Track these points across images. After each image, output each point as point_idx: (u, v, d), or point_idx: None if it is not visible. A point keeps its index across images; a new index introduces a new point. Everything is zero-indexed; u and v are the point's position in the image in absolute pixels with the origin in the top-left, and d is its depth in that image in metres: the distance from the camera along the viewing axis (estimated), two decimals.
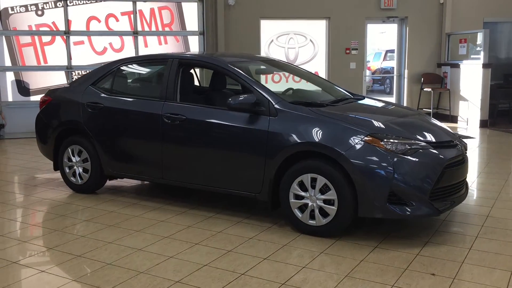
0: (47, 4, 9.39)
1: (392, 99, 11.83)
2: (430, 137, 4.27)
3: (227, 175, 4.63)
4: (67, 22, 9.44)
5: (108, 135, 5.26)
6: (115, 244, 4.11)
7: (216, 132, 4.63)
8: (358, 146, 3.99)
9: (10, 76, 9.48)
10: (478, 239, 4.14)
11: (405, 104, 11.41)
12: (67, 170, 5.62)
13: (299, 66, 5.91)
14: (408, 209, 3.94)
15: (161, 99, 4.95)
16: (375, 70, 22.88)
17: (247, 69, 5.07)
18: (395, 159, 3.92)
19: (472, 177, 6.21)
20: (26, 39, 9.45)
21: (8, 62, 9.41)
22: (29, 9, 9.36)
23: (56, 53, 9.52)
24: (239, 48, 10.16)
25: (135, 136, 5.12)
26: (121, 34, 9.73)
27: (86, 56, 9.56)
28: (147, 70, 5.65)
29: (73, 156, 5.53)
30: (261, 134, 4.36)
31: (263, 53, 10.56)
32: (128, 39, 9.76)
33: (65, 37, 9.48)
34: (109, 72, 5.47)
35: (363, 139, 4.00)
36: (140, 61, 5.56)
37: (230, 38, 10.15)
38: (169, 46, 10.03)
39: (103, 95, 5.36)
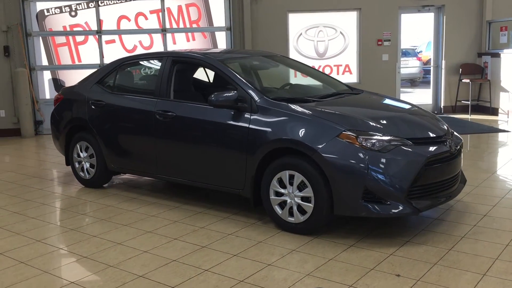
0: (80, 5, 9.78)
1: (429, 92, 11.43)
2: (414, 133, 4.12)
3: (213, 171, 4.67)
4: (99, 22, 9.79)
5: (110, 131, 5.44)
6: (99, 237, 4.25)
7: (202, 129, 4.68)
8: (332, 143, 3.91)
9: (47, 75, 9.97)
10: (463, 239, 3.95)
11: (442, 97, 11.01)
12: (77, 165, 5.86)
13: (301, 62, 5.82)
14: (384, 208, 3.83)
15: (155, 96, 5.06)
16: (427, 61, 22.04)
17: (239, 65, 5.08)
18: (370, 156, 3.81)
19: (488, 173, 5.91)
20: (61, 39, 9.89)
21: (45, 62, 9.90)
22: (63, 11, 9.78)
23: (89, 52, 9.91)
24: (266, 42, 10.13)
25: (133, 132, 5.26)
26: (150, 32, 9.98)
27: (117, 54, 9.81)
28: (146, 68, 5.78)
29: (81, 152, 5.76)
30: (242, 130, 4.36)
31: (291, 47, 10.48)
32: (157, 37, 10.00)
33: (97, 36, 9.84)
34: (113, 70, 5.64)
35: (338, 136, 3.92)
36: (140, 60, 5.69)
37: (257, 32, 10.15)
38: (197, 43, 10.18)
39: (105, 93, 5.54)
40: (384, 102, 4.99)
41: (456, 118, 10.20)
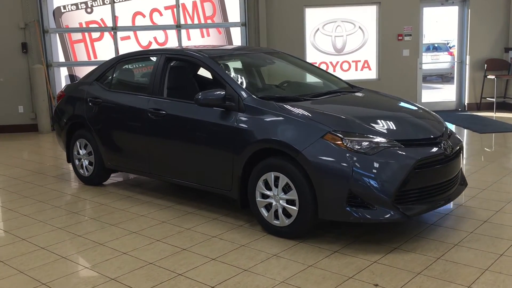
0: (96, 2, 9.81)
1: (453, 88, 11.03)
2: (405, 134, 3.91)
3: (202, 171, 4.57)
4: (114, 18, 9.81)
5: (106, 129, 5.41)
6: (83, 237, 4.21)
7: (191, 128, 4.58)
8: (317, 144, 3.74)
9: (63, 71, 10.07)
10: (455, 247, 3.72)
11: (467, 94, 10.59)
12: (77, 163, 5.86)
13: (302, 59, 5.62)
14: (370, 213, 3.64)
15: (149, 94, 4.99)
16: None
17: (233, 63, 4.96)
18: (356, 158, 3.63)
19: (499, 176, 5.59)
20: (77, 35, 9.96)
21: (61, 58, 10.00)
22: (79, 7, 9.84)
23: (104, 48, 9.93)
24: (282, 38, 9.96)
25: (127, 130, 5.21)
26: (164, 28, 9.93)
27: (132, 50, 9.84)
28: (142, 66, 5.72)
29: (81, 149, 5.75)
30: (229, 130, 4.24)
31: (308, 42, 10.26)
32: (172, 33, 9.95)
33: (112, 33, 9.87)
34: (110, 68, 5.61)
35: (323, 137, 3.74)
36: (136, 57, 5.63)
37: (273, 28, 9.97)
38: (212, 38, 10.08)
39: (103, 90, 5.51)
40: (380, 101, 4.78)
41: (479, 116, 9.80)
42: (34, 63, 9.63)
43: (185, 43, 9.93)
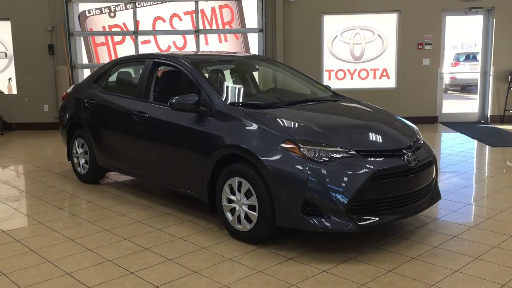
0: (119, 7, 10.14)
1: (476, 99, 10.73)
2: (366, 145, 3.89)
3: (176, 173, 4.68)
4: (136, 23, 10.11)
5: (98, 129, 5.61)
6: (58, 232, 4.39)
7: (169, 131, 4.69)
8: (275, 152, 3.78)
9: (87, 73, 10.44)
10: (412, 261, 3.66)
11: (490, 105, 10.26)
12: (75, 161, 6.09)
13: (292, 67, 5.63)
14: (323, 221, 3.64)
15: (135, 97, 5.15)
16: None
17: (217, 69, 5.06)
18: (311, 167, 3.64)
19: (491, 192, 5.43)
20: (101, 39, 10.32)
21: (85, 60, 10.38)
22: (103, 12, 10.20)
23: (126, 51, 10.21)
24: (299, 45, 9.99)
25: (115, 131, 5.39)
26: (183, 33, 10.16)
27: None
28: (133, 69, 5.89)
29: (78, 148, 5.98)
30: (200, 134, 4.34)
31: (325, 50, 10.24)
32: (190, 37, 10.15)
33: (134, 36, 10.17)
34: (107, 70, 5.81)
35: (281, 144, 3.78)
36: (129, 61, 5.81)
37: (290, 34, 10.00)
38: (229, 44, 10.22)
39: (97, 92, 5.72)
40: (355, 110, 4.73)
41: (499, 129, 9.49)
42: (59, 64, 10.05)
43: (203, 48, 10.10)
